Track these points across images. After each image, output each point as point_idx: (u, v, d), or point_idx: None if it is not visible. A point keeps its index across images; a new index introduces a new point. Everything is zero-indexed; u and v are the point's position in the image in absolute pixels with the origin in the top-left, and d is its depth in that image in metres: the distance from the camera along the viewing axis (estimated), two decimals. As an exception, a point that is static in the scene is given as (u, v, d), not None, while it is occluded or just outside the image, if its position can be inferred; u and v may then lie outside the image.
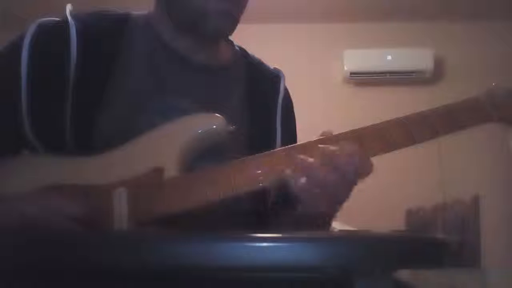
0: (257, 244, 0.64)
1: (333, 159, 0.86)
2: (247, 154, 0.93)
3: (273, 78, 1.17)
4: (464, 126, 0.97)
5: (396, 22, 3.58)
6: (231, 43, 1.16)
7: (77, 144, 0.96)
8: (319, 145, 0.89)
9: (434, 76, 3.58)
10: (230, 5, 1.00)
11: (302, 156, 0.88)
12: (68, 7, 1.03)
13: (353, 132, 0.93)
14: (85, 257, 0.64)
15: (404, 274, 0.80)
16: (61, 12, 1.04)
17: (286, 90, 1.17)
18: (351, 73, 3.55)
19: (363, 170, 0.89)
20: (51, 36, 1.00)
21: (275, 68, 1.20)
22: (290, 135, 1.14)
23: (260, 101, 1.12)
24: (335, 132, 0.93)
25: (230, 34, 1.08)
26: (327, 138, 0.92)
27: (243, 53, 1.17)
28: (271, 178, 0.90)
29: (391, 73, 3.55)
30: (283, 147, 0.95)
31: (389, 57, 3.52)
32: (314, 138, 0.93)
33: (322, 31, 3.63)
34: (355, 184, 0.91)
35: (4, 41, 1.05)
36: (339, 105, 3.56)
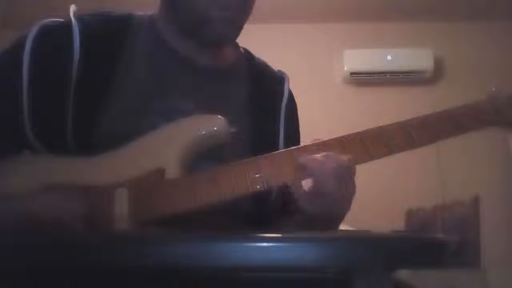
0: (257, 244, 0.64)
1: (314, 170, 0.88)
2: (249, 155, 0.94)
3: (277, 80, 1.17)
4: (465, 130, 0.98)
5: (396, 22, 3.58)
6: (235, 44, 1.16)
7: (78, 144, 0.96)
8: (297, 155, 0.91)
9: (434, 76, 3.58)
10: (233, 13, 1.00)
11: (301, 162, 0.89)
12: (72, 8, 1.03)
13: (355, 134, 0.94)
14: (85, 257, 0.64)
15: (404, 274, 0.80)
16: (62, 12, 1.05)
17: (290, 92, 1.17)
18: (351, 73, 3.55)
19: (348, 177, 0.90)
20: (54, 37, 1.00)
21: (279, 70, 1.19)
22: (293, 137, 1.14)
23: (264, 103, 1.12)
24: (337, 133, 0.94)
25: (234, 40, 1.08)
26: (329, 142, 0.93)
27: (247, 54, 1.17)
28: (271, 181, 0.91)
29: (391, 73, 3.55)
30: (284, 150, 0.95)
31: (389, 57, 3.52)
32: (311, 141, 0.94)
33: (322, 31, 3.63)
34: (349, 193, 0.91)
35: (4, 41, 1.05)
36: (339, 105, 3.56)
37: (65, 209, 0.84)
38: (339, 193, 0.89)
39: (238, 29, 1.05)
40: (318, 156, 0.90)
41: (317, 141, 0.94)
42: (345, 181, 0.89)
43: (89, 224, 0.84)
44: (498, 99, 1.00)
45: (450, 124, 0.97)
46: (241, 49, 1.17)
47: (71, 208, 0.85)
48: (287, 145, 1.07)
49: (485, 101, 1.00)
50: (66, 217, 0.83)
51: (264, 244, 0.64)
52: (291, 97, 1.17)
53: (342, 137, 0.94)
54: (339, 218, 0.98)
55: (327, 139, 0.94)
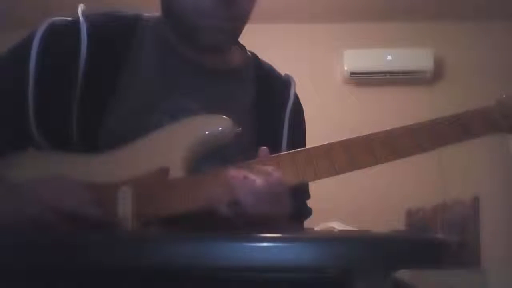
0: (257, 244, 0.64)
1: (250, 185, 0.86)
2: (253, 157, 0.94)
3: (283, 84, 1.17)
4: (473, 135, 0.97)
5: (397, 22, 3.58)
6: (242, 47, 1.16)
7: (82, 143, 0.96)
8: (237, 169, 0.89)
9: (434, 76, 3.58)
10: (223, 22, 0.99)
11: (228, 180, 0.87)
12: (80, 7, 1.03)
13: (362, 138, 0.94)
14: (85, 257, 0.64)
15: (404, 274, 0.80)
16: (63, 12, 1.05)
17: (296, 96, 1.17)
18: (351, 73, 3.55)
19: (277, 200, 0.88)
20: (62, 35, 1.00)
21: (285, 74, 1.19)
22: (298, 141, 1.13)
23: (269, 105, 1.12)
24: (338, 133, 0.94)
25: (230, 46, 1.08)
26: (332, 144, 0.93)
27: (254, 58, 1.17)
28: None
29: (391, 73, 3.54)
30: (289, 151, 0.95)
31: (389, 57, 3.52)
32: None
33: (322, 31, 3.63)
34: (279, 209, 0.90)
35: (4, 41, 1.05)
36: (339, 105, 3.56)
37: (78, 196, 0.85)
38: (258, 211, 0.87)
39: (232, 36, 1.04)
40: (243, 175, 0.87)
41: (318, 146, 0.94)
42: (265, 201, 0.87)
43: (99, 214, 0.84)
44: (507, 105, 0.99)
45: (458, 128, 0.97)
46: (248, 52, 1.17)
47: (84, 195, 0.85)
48: (290, 148, 1.07)
49: (493, 106, 1.00)
50: (79, 203, 0.84)
51: (264, 244, 0.64)
52: (297, 101, 1.17)
53: (347, 140, 0.93)
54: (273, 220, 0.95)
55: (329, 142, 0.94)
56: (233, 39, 1.06)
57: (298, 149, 0.95)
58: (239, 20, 1.03)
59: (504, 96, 1.01)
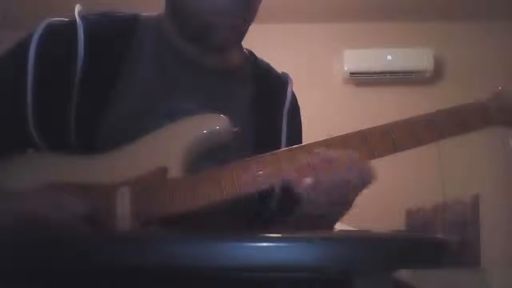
0: (257, 244, 0.64)
1: (334, 165, 0.87)
2: (251, 155, 0.94)
3: (280, 82, 1.17)
4: (469, 129, 0.98)
5: (396, 22, 3.58)
6: (240, 46, 1.16)
7: (81, 143, 0.96)
8: (317, 151, 0.89)
9: (434, 76, 3.58)
10: (235, 19, 1.00)
11: (308, 159, 0.88)
12: (77, 8, 1.03)
13: (358, 133, 0.94)
14: (85, 257, 0.64)
15: (404, 274, 0.80)
16: (62, 12, 1.05)
17: (293, 94, 1.17)
18: (351, 73, 3.55)
19: (363, 180, 0.89)
20: (59, 36, 1.00)
21: (283, 72, 1.20)
22: (295, 139, 1.14)
23: (267, 104, 1.12)
24: (338, 133, 0.94)
25: (237, 45, 1.09)
26: (331, 140, 0.93)
27: (251, 56, 1.17)
28: (273, 179, 0.90)
29: (391, 73, 3.54)
30: (287, 148, 0.95)
31: (389, 57, 3.52)
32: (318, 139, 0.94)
33: (322, 31, 3.63)
34: (358, 191, 0.91)
35: (4, 41, 1.05)
36: (339, 105, 3.56)
37: (67, 209, 0.84)
38: (341, 195, 0.88)
39: (241, 34, 1.05)
40: (333, 154, 0.88)
41: (318, 141, 0.94)
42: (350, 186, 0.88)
43: (91, 224, 0.84)
44: (503, 98, 1.00)
45: (454, 122, 0.97)
46: (245, 51, 1.17)
47: (73, 208, 0.85)
48: (289, 146, 1.06)
49: (489, 100, 1.00)
50: (67, 217, 0.83)
51: (264, 244, 0.64)
52: (294, 100, 1.17)
53: (345, 135, 0.94)
54: (337, 216, 0.98)
55: (327, 138, 0.94)
56: (240, 37, 1.07)
57: (297, 145, 0.95)
58: (251, 18, 1.04)
59: (500, 89, 1.01)
